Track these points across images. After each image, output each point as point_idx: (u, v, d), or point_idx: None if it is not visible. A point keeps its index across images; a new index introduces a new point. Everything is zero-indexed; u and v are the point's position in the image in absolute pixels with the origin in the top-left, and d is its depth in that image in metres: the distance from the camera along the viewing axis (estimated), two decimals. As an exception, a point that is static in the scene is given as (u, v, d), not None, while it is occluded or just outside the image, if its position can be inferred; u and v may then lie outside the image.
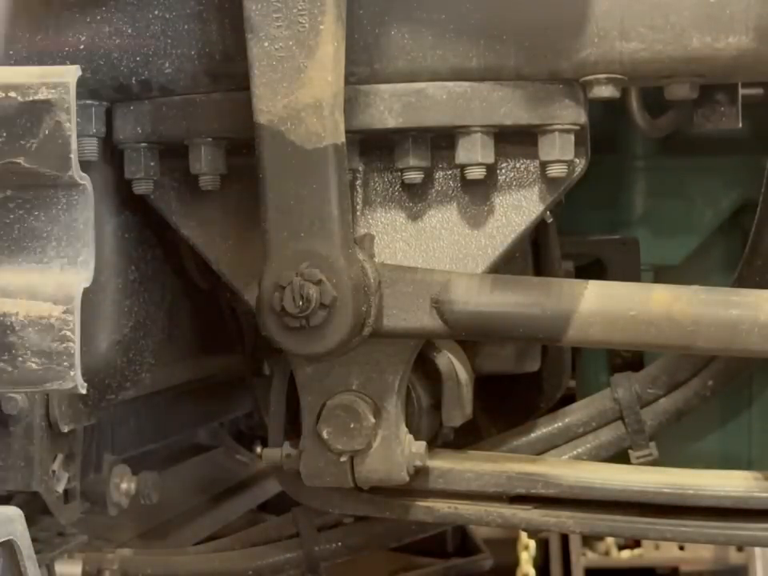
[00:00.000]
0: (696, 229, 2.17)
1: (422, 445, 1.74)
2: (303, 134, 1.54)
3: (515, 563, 3.60)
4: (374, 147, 1.71)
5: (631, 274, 2.09)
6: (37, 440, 1.80)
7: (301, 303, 1.53)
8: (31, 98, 1.42)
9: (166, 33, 1.67)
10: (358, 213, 1.72)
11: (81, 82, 1.48)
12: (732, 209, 2.15)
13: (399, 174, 1.70)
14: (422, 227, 1.72)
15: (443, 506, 1.80)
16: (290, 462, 1.75)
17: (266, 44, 1.53)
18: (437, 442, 1.85)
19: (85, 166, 1.52)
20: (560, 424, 1.96)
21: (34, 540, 1.42)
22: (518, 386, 2.08)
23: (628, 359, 2.08)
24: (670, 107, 1.99)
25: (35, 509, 1.85)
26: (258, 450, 2.92)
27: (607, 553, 4.38)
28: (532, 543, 3.60)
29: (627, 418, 1.95)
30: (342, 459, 1.69)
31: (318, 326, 1.54)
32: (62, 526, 1.95)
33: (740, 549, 4.02)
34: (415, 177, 1.68)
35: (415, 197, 1.72)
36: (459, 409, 1.78)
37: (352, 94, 1.61)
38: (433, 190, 1.72)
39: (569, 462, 1.87)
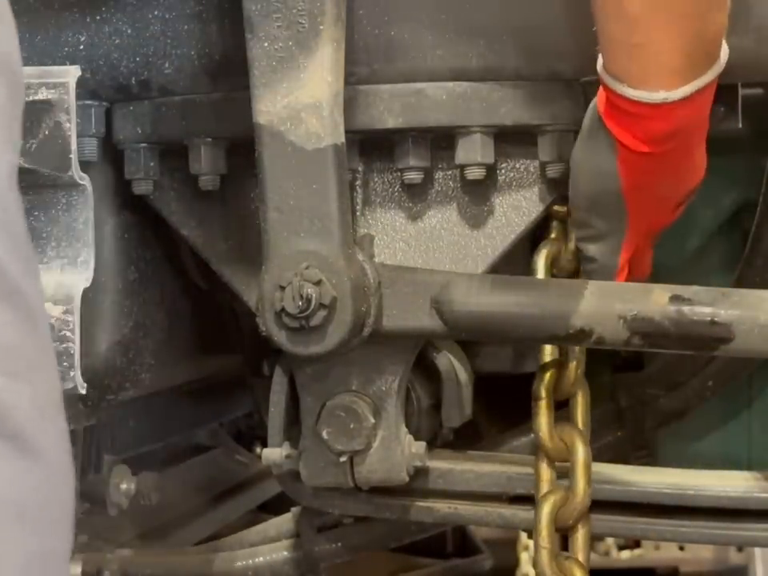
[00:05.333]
0: (696, 229, 2.16)
1: (421, 445, 1.74)
2: (303, 134, 1.54)
3: (515, 563, 3.59)
4: (373, 147, 1.71)
5: (631, 274, 2.09)
6: (36, 440, 1.80)
7: (300, 303, 1.53)
8: (31, 98, 1.43)
9: (165, 33, 1.67)
10: (358, 213, 1.71)
11: (81, 82, 1.48)
12: (732, 209, 2.14)
13: (399, 174, 1.70)
14: (421, 227, 1.72)
15: (443, 507, 1.80)
16: (290, 463, 1.75)
17: (266, 44, 1.53)
18: (437, 442, 1.85)
19: (85, 166, 1.52)
20: (560, 424, 1.96)
21: (34, 540, 1.42)
22: (517, 385, 2.08)
23: (628, 359, 2.07)
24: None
25: (35, 509, 1.85)
26: (258, 450, 2.92)
27: (607, 553, 4.37)
28: (532, 543, 3.59)
29: (627, 418, 1.95)
30: (342, 459, 1.69)
31: (318, 326, 1.54)
32: (62, 526, 1.94)
33: (740, 549, 4.02)
34: (415, 177, 1.68)
35: (415, 197, 1.72)
36: (459, 409, 1.78)
37: (352, 93, 1.61)
38: (433, 190, 1.72)
39: (569, 462, 1.86)
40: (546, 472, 1.74)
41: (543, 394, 1.73)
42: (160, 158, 1.74)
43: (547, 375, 1.74)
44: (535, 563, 1.72)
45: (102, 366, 1.80)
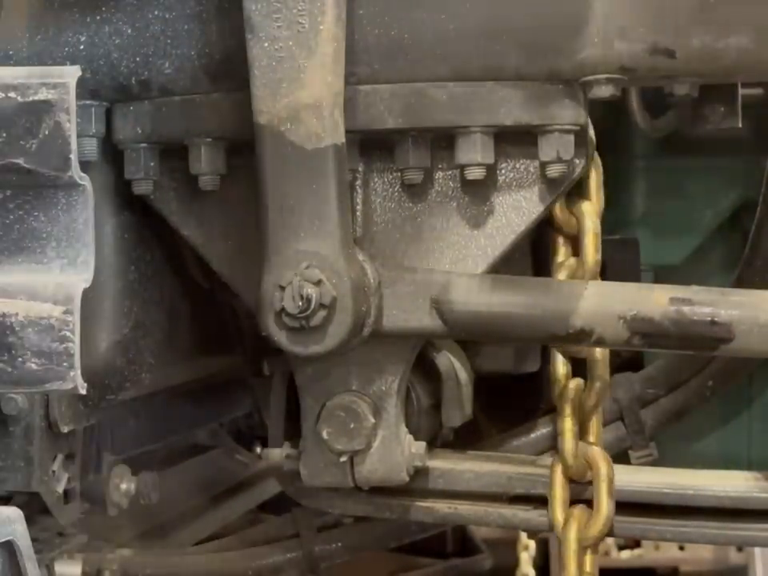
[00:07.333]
0: (696, 229, 2.17)
1: (421, 445, 1.74)
2: (303, 134, 1.54)
3: (515, 563, 3.59)
4: (374, 147, 1.71)
5: (631, 274, 2.09)
6: (36, 440, 1.80)
7: (300, 303, 1.53)
8: (31, 98, 1.42)
9: (165, 33, 1.67)
10: (358, 213, 1.72)
11: (81, 82, 1.48)
12: (732, 209, 2.15)
13: (399, 174, 1.70)
14: (422, 227, 1.72)
15: (443, 506, 1.80)
16: (290, 463, 1.75)
17: (266, 44, 1.53)
18: (437, 442, 1.85)
19: (85, 166, 1.52)
20: (560, 424, 1.96)
21: (33, 540, 1.42)
22: (517, 385, 2.08)
23: (628, 359, 2.08)
24: (670, 107, 1.99)
25: (35, 509, 1.85)
26: (258, 450, 2.92)
27: (607, 553, 4.37)
28: (532, 543, 3.59)
29: (627, 418, 1.95)
30: (342, 459, 1.69)
31: (318, 326, 1.54)
32: (62, 526, 1.94)
33: (740, 549, 4.02)
34: (415, 177, 1.68)
35: (415, 197, 1.72)
36: (459, 409, 1.78)
37: (352, 94, 1.61)
38: (433, 191, 1.72)
39: (569, 462, 1.86)
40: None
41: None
42: (160, 158, 1.74)
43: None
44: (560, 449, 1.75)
45: (101, 366, 1.80)
